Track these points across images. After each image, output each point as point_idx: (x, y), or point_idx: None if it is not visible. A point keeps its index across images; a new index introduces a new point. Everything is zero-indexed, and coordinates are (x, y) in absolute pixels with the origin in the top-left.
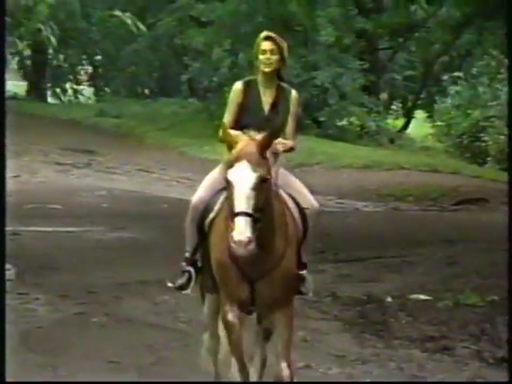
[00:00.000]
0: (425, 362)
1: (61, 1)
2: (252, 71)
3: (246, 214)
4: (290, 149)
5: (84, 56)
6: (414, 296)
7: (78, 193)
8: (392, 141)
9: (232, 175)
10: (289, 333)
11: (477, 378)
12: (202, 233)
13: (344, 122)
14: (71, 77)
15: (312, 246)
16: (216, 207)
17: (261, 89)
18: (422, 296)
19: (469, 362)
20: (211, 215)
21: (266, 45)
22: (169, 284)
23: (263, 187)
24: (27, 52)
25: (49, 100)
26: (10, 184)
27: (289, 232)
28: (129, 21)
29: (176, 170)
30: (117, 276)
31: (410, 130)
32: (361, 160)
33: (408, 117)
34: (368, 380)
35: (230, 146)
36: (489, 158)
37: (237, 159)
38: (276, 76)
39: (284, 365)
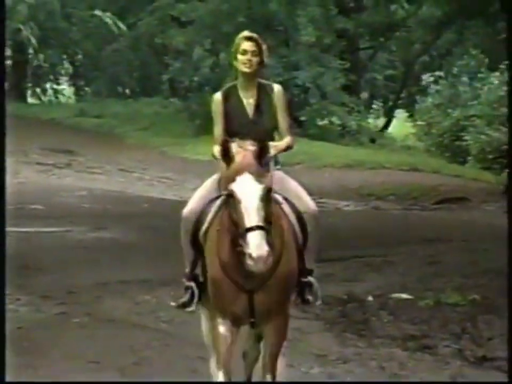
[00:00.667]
0: (407, 361)
1: (41, 1)
2: (232, 71)
3: (259, 228)
4: (287, 148)
5: (64, 56)
6: (395, 295)
7: (59, 193)
8: (373, 141)
9: (236, 188)
10: (278, 346)
11: (458, 377)
12: (198, 246)
13: (325, 121)
14: (51, 76)
15: (316, 251)
16: (209, 218)
17: (242, 93)
18: (403, 295)
19: (450, 361)
20: (204, 227)
21: (247, 46)
22: (172, 304)
23: (269, 197)
24: (7, 52)
25: (29, 100)
26: None
27: (285, 237)
28: (109, 21)
29: (157, 170)
30: (98, 276)
31: (391, 129)
32: (342, 160)
33: (389, 116)
34: (349, 380)
35: (228, 161)
36: (470, 157)
37: (238, 172)
38: (255, 76)
39: (268, 376)
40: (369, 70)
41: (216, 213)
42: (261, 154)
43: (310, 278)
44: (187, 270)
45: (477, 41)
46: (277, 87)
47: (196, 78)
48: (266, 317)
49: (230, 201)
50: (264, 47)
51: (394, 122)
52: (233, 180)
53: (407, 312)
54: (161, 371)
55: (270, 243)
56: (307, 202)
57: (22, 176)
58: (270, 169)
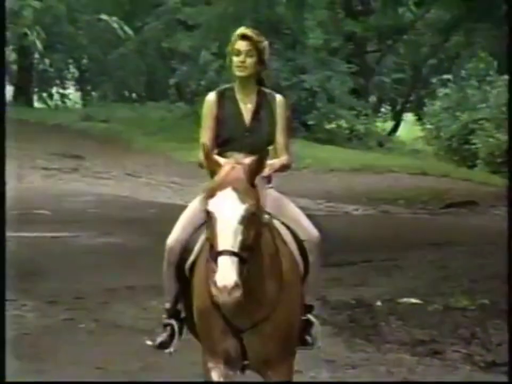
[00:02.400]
0: (416, 366)
1: (47, 5)
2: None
3: (232, 253)
4: (283, 168)
5: (71, 61)
6: (404, 300)
7: (65, 198)
8: (381, 144)
9: (214, 205)
10: None
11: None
12: (183, 279)
13: (332, 125)
14: (57, 81)
15: (318, 284)
16: (197, 247)
17: (239, 97)
18: (412, 300)
19: (459, 366)
20: (191, 258)
21: (241, 45)
22: (149, 342)
23: (253, 221)
24: (13, 56)
25: (36, 104)
26: None
27: (285, 273)
28: (116, 25)
29: (164, 175)
30: (105, 282)
31: (400, 133)
32: (350, 164)
33: (397, 119)
34: None
35: (213, 172)
36: (478, 161)
37: (221, 186)
38: (255, 80)
39: None
40: (377, 73)
41: (205, 241)
42: (255, 170)
43: (310, 316)
44: (168, 305)
45: (485, 44)
46: (279, 97)
47: (202, 82)
48: (263, 364)
49: (207, 218)
50: (263, 45)
51: (402, 125)
52: (213, 194)
53: (416, 317)
54: (169, 377)
55: (242, 273)
56: (308, 228)
57: (28, 181)
58: (260, 190)
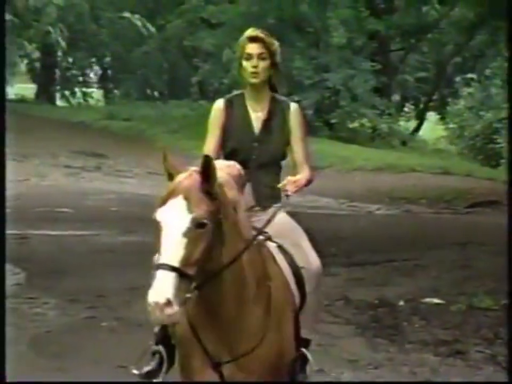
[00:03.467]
0: (439, 367)
1: (70, 3)
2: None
3: (170, 268)
4: (309, 183)
5: (93, 59)
6: (427, 299)
7: (88, 196)
8: (404, 143)
9: (161, 215)
10: None
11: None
12: None
13: (355, 124)
14: (80, 79)
15: (315, 317)
16: None
17: (249, 104)
18: (435, 300)
19: (482, 367)
20: None
21: (252, 48)
22: (134, 371)
23: (202, 233)
24: (36, 54)
25: (58, 102)
26: (19, 188)
27: (274, 301)
28: (139, 23)
29: None
30: (127, 280)
31: (423, 132)
32: (373, 163)
33: (421, 119)
34: None
35: (171, 177)
36: (502, 160)
37: (172, 194)
38: (268, 86)
39: None
40: (400, 72)
41: None
42: (211, 177)
43: (306, 352)
44: (156, 328)
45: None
46: (294, 106)
47: (225, 80)
48: None
49: (155, 229)
50: (275, 47)
51: (425, 125)
52: (164, 202)
53: (439, 317)
54: None
55: (186, 291)
56: (308, 255)
57: (51, 179)
58: (236, 199)
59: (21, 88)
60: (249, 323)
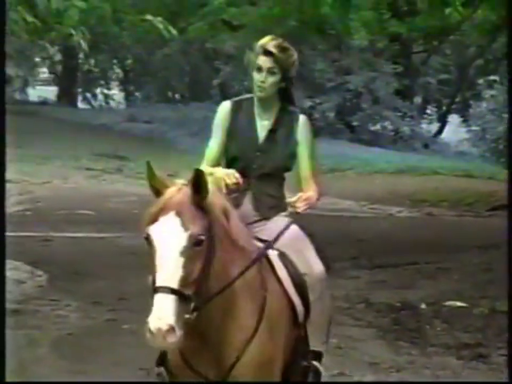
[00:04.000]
0: (461, 370)
1: (92, 6)
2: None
3: (170, 291)
4: (317, 202)
5: (115, 61)
6: (449, 303)
7: (109, 199)
8: (426, 146)
9: (153, 233)
10: None
11: None
12: None
13: (377, 127)
14: (101, 81)
15: (326, 325)
16: None
17: (257, 111)
18: (458, 303)
19: (504, 370)
20: None
21: (263, 61)
22: None
23: (199, 251)
24: (58, 57)
25: (80, 104)
26: (41, 190)
27: (268, 310)
28: (160, 26)
29: None
30: (149, 282)
31: (445, 135)
32: (395, 165)
33: (443, 121)
34: None
35: (158, 193)
36: None
37: (163, 210)
38: (279, 95)
39: None
40: (422, 74)
41: None
42: (198, 189)
43: (317, 365)
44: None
45: None
46: (303, 118)
47: (246, 83)
48: None
49: (148, 248)
50: (289, 61)
51: (447, 127)
52: (155, 219)
53: (461, 320)
54: None
55: (185, 313)
56: (311, 261)
57: (72, 181)
58: (230, 212)
59: (42, 90)
60: (239, 336)
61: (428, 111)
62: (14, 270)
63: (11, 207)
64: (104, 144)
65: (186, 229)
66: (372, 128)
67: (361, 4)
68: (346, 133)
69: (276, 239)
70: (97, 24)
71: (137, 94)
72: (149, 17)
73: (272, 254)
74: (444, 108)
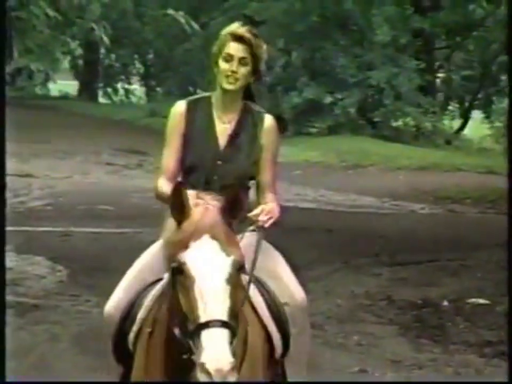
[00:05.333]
0: (483, 368)
1: (114, 0)
2: (302, 72)
3: (222, 324)
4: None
5: (136, 56)
6: (472, 300)
7: (130, 194)
8: (448, 142)
9: (190, 259)
10: None
11: None
12: (126, 357)
13: (399, 122)
14: (122, 76)
15: (305, 358)
16: (141, 314)
17: (216, 113)
18: (480, 300)
19: None
20: (134, 328)
21: (234, 49)
22: None
23: (239, 278)
24: (79, 51)
25: (101, 99)
26: (62, 185)
27: (249, 347)
28: (182, 20)
29: None
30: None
31: (467, 131)
32: (417, 162)
33: (465, 117)
34: None
35: (180, 216)
36: None
37: (195, 234)
38: (242, 93)
39: None
40: (445, 70)
41: (153, 305)
42: (232, 210)
43: None
44: None
45: None
46: (268, 119)
47: (268, 78)
48: None
49: (178, 279)
50: (262, 51)
51: (470, 123)
52: (185, 246)
53: (483, 318)
54: None
55: (234, 350)
56: (291, 287)
57: (93, 176)
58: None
59: (63, 85)
60: None
61: (450, 107)
62: (35, 265)
63: (32, 201)
64: (124, 139)
65: (228, 253)
66: (394, 124)
67: None
68: (368, 129)
69: (253, 264)
70: (118, 18)
71: (158, 89)
72: (170, 11)
73: (245, 281)
74: (467, 104)
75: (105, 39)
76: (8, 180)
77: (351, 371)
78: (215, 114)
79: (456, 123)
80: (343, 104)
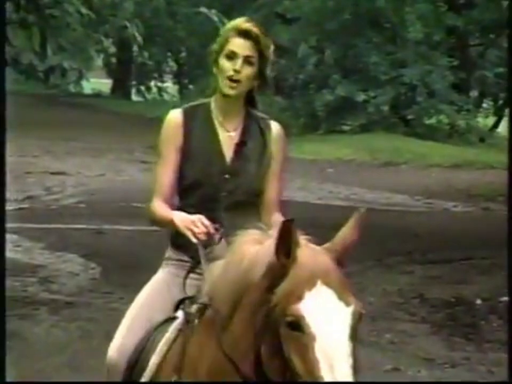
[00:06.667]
0: None
1: None
2: (335, 69)
3: None
4: None
5: (169, 54)
6: (505, 298)
7: None
8: (482, 140)
9: (308, 313)
10: None
11: None
12: None
13: (432, 120)
14: (155, 74)
15: None
16: (155, 359)
17: (218, 120)
18: None
19: None
20: (147, 373)
21: (239, 46)
22: None
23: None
24: (112, 49)
25: (134, 97)
26: (95, 183)
27: None
28: (215, 18)
29: None
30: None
31: (501, 128)
32: (450, 160)
33: (499, 115)
34: None
35: (285, 256)
36: None
37: (309, 281)
38: (245, 98)
39: None
40: (479, 68)
41: (169, 349)
42: (344, 253)
43: None
44: None
45: None
46: (276, 127)
47: (301, 76)
48: None
49: (291, 334)
50: (269, 50)
51: (504, 121)
52: (299, 296)
53: None
54: None
55: None
56: None
57: (126, 174)
58: None
59: (97, 83)
60: None
61: (484, 105)
62: (68, 262)
63: (65, 199)
64: (157, 137)
65: (346, 302)
66: (427, 121)
67: None
68: (401, 127)
69: None
70: (151, 16)
71: (191, 86)
72: (203, 9)
73: None
74: (501, 101)
75: (138, 37)
76: (42, 177)
77: (384, 369)
78: (217, 122)
79: (490, 121)
80: (375, 101)
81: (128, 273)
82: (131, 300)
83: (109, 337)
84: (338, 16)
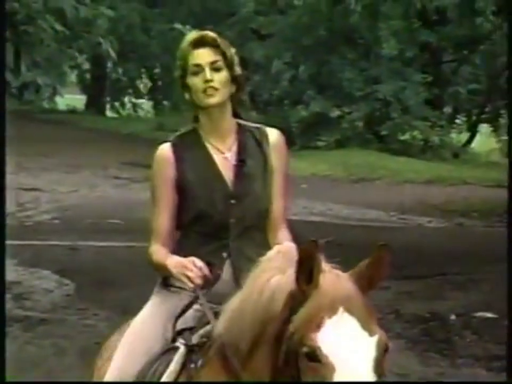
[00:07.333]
0: (491, 382)
1: (120, 14)
2: (309, 85)
3: None
4: None
5: (143, 70)
6: (479, 314)
7: (137, 208)
8: (456, 156)
9: (327, 343)
10: None
11: None
12: None
13: (406, 136)
14: (130, 90)
15: None
16: None
17: (209, 145)
18: (488, 314)
19: None
20: None
21: (200, 56)
22: None
23: (383, 362)
24: (86, 65)
25: (108, 113)
26: (69, 199)
27: None
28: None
29: None
30: None
31: (475, 144)
32: (424, 175)
33: (473, 131)
34: None
35: (307, 280)
36: None
37: (330, 308)
38: (230, 109)
39: None
40: (452, 84)
41: (175, 379)
42: (373, 275)
43: None
44: None
45: None
46: (273, 134)
47: (275, 92)
48: None
49: (309, 365)
50: (230, 50)
51: (478, 137)
52: (318, 324)
53: (491, 332)
54: None
55: None
56: None
57: (100, 190)
58: None
59: (71, 99)
60: None
61: (458, 121)
62: (42, 278)
63: (39, 215)
64: (132, 153)
65: (370, 332)
66: (401, 137)
67: (391, 13)
68: (376, 143)
69: None
70: (125, 33)
71: (165, 102)
72: (177, 25)
73: None
74: (474, 117)
75: (112, 53)
76: (16, 193)
77: None
78: (209, 146)
79: (464, 136)
80: (350, 117)
81: (102, 289)
82: (105, 316)
83: (83, 354)
84: (313, 32)
